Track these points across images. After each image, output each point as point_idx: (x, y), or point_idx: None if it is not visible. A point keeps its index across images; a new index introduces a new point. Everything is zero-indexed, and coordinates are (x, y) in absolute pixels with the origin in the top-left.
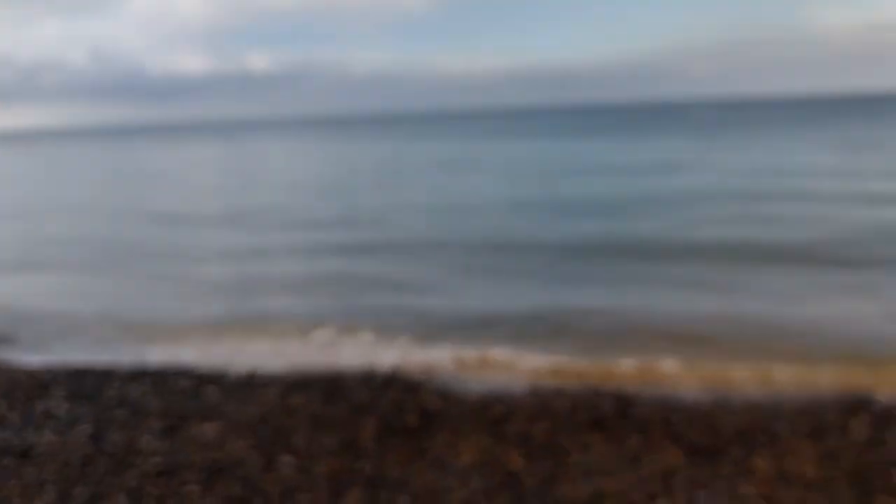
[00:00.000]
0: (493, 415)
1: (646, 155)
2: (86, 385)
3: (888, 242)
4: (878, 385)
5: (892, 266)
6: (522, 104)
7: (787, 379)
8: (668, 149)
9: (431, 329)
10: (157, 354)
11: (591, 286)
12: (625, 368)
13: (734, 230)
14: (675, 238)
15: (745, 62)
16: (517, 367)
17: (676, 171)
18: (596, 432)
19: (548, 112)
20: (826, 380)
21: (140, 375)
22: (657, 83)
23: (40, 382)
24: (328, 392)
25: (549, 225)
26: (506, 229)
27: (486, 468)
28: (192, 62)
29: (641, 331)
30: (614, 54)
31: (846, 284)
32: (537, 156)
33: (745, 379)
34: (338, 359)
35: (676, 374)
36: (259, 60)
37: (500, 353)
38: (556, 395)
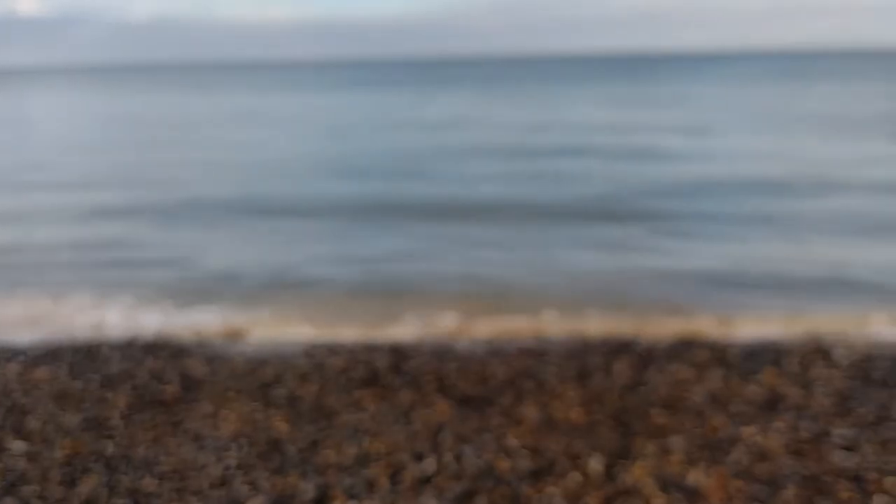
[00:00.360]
0: (262, 378)
1: (436, 110)
2: None
3: (650, 197)
4: (639, 331)
5: (653, 220)
6: (317, 56)
7: (557, 328)
8: (457, 104)
9: (201, 292)
10: None
11: (371, 245)
12: (403, 324)
13: (512, 187)
14: (457, 196)
15: (534, 19)
16: (291, 327)
17: (463, 126)
18: (368, 389)
19: (342, 65)
20: (593, 327)
21: None
22: (450, 38)
23: None
24: (79, 364)
25: (333, 183)
26: (288, 188)
27: (248, 438)
28: None
29: (422, 288)
30: (408, 8)
31: (612, 238)
32: (329, 109)
33: (518, 329)
34: (94, 326)
35: (454, 327)
36: (28, 2)
37: (272, 313)
38: (331, 353)
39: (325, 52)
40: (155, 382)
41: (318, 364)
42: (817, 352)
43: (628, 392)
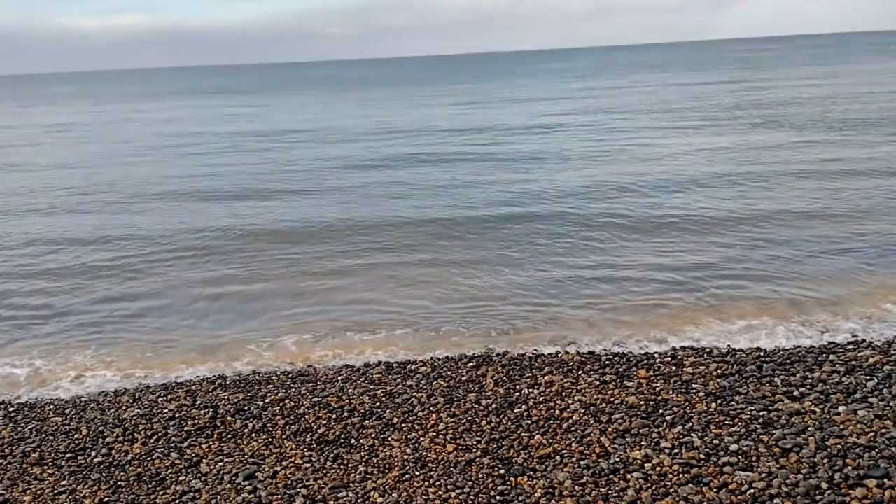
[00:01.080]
0: (75, 439)
1: (285, 117)
2: None
3: (501, 205)
4: (506, 341)
5: (505, 227)
6: (163, 65)
7: (414, 346)
8: (307, 110)
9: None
10: None
11: (204, 270)
12: (249, 354)
13: (365, 202)
14: (301, 215)
15: (377, 25)
16: (115, 369)
17: (310, 134)
18: (205, 440)
19: (192, 72)
20: (453, 342)
21: None
22: (298, 44)
23: None
24: None
25: (168, 204)
26: (97, 215)
27: None
28: None
29: (266, 313)
30: (255, 15)
31: (464, 251)
32: (168, 119)
33: (373, 348)
34: None
35: (304, 353)
36: None
37: (93, 356)
38: (163, 395)
39: (174, 59)
40: None
41: (146, 412)
42: (684, 350)
43: (502, 413)
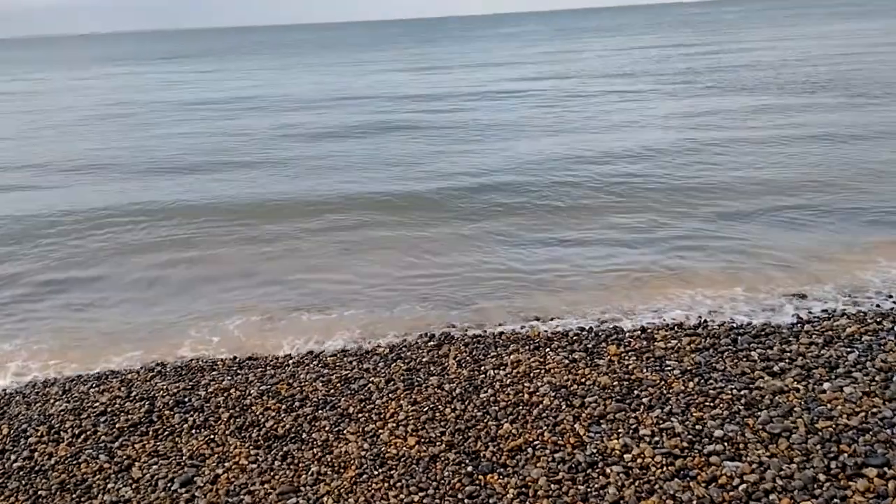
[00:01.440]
0: None
1: (231, 85)
2: None
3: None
4: (462, 322)
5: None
6: (106, 30)
7: (366, 327)
8: (256, 76)
9: None
10: None
11: (148, 251)
12: (189, 339)
13: (325, 177)
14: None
15: None
16: (46, 359)
17: (258, 103)
18: (140, 437)
19: (131, 37)
20: (408, 322)
21: None
22: (234, 7)
23: None
24: None
25: (118, 183)
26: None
27: None
28: None
29: (208, 294)
30: None
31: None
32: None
33: (326, 327)
34: None
35: (249, 334)
36: None
37: (22, 345)
38: (96, 387)
39: (118, 25)
40: None
41: (75, 406)
42: (654, 323)
43: (467, 399)
